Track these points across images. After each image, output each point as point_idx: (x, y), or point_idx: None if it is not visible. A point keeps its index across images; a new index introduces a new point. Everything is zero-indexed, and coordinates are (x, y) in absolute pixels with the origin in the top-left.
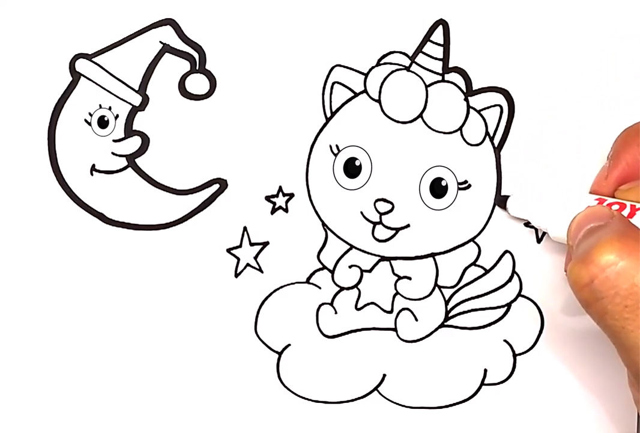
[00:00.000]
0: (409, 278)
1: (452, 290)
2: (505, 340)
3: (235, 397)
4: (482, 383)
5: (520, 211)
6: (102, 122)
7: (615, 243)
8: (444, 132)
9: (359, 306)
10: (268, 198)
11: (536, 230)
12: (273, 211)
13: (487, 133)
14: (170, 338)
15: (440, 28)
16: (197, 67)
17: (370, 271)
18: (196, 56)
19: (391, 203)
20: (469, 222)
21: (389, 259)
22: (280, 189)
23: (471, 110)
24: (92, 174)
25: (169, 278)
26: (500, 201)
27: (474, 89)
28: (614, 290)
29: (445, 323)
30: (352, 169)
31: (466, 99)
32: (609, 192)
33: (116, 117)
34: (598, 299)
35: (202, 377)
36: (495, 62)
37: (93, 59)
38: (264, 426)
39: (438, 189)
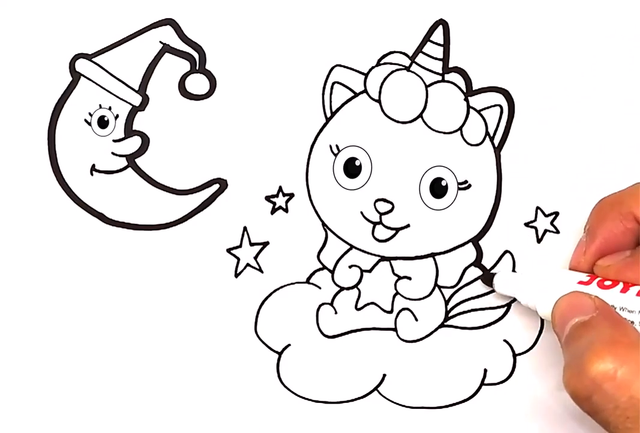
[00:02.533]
0: (409, 278)
1: (452, 290)
2: (505, 340)
3: (235, 397)
4: (482, 383)
5: (507, 290)
6: (102, 123)
7: (606, 354)
8: (444, 132)
9: (359, 306)
10: (268, 198)
11: (536, 230)
12: (273, 211)
13: (487, 133)
14: (171, 338)
15: (440, 28)
16: (197, 67)
17: (370, 271)
18: (196, 56)
19: (391, 203)
20: (469, 222)
21: (389, 259)
22: (280, 189)
23: (471, 110)
24: (92, 174)
25: (169, 278)
26: (487, 278)
27: (474, 89)
28: (613, 404)
29: (445, 323)
30: (352, 169)
31: (466, 99)
32: (588, 268)
33: (116, 117)
34: (598, 412)
35: (202, 377)
36: (495, 62)
37: (93, 59)
38: (264, 426)
39: (438, 189)
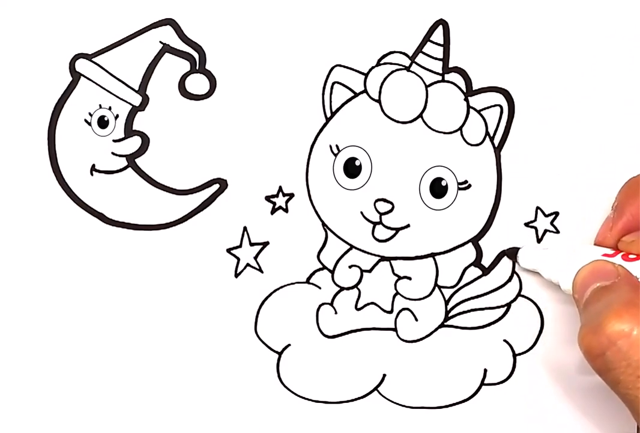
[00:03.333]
0: (409, 278)
1: (452, 290)
2: (505, 340)
3: (235, 397)
4: (482, 383)
5: (531, 263)
6: (102, 123)
7: (625, 314)
8: (444, 132)
9: (359, 306)
10: (268, 198)
11: (536, 230)
12: (273, 211)
13: (487, 133)
14: (171, 338)
15: (440, 28)
16: (197, 67)
17: (370, 271)
18: (196, 56)
19: (391, 203)
20: (469, 222)
21: (389, 259)
22: (280, 189)
23: (471, 110)
24: (92, 174)
25: (169, 278)
26: (511, 253)
27: (474, 89)
28: (626, 361)
29: (445, 323)
30: (352, 169)
31: (466, 99)
32: (613, 244)
33: (116, 117)
34: (610, 369)
35: (202, 377)
36: (495, 62)
37: (93, 59)
38: (264, 426)
39: (438, 189)
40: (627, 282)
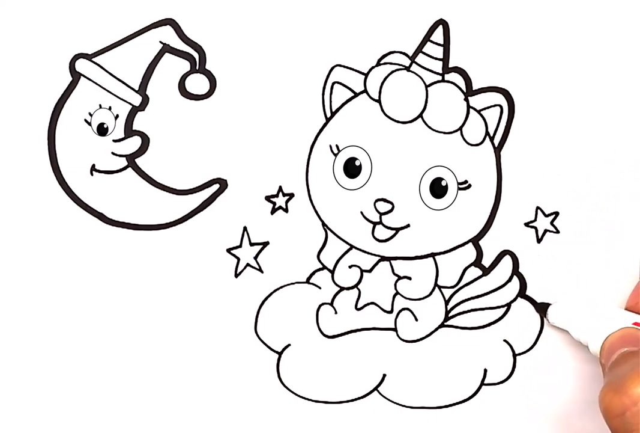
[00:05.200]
0: (409, 278)
1: (452, 290)
2: (505, 340)
3: (235, 397)
4: (482, 383)
5: (561, 322)
6: (102, 130)
7: None
8: (444, 132)
9: (359, 306)
10: (268, 198)
11: (536, 230)
12: (273, 211)
13: (487, 133)
14: (171, 338)
15: (440, 28)
16: (197, 67)
17: (370, 271)
18: (196, 56)
19: (391, 203)
20: (469, 222)
21: (389, 259)
22: (280, 189)
23: (471, 110)
24: (92, 174)
25: (169, 278)
26: (541, 308)
27: (474, 89)
28: None
29: (445, 323)
30: (352, 169)
31: (466, 99)
32: None
33: (116, 117)
34: (628, 431)
35: (202, 377)
36: (495, 62)
37: (93, 59)
38: (264, 426)
39: (438, 189)
40: None
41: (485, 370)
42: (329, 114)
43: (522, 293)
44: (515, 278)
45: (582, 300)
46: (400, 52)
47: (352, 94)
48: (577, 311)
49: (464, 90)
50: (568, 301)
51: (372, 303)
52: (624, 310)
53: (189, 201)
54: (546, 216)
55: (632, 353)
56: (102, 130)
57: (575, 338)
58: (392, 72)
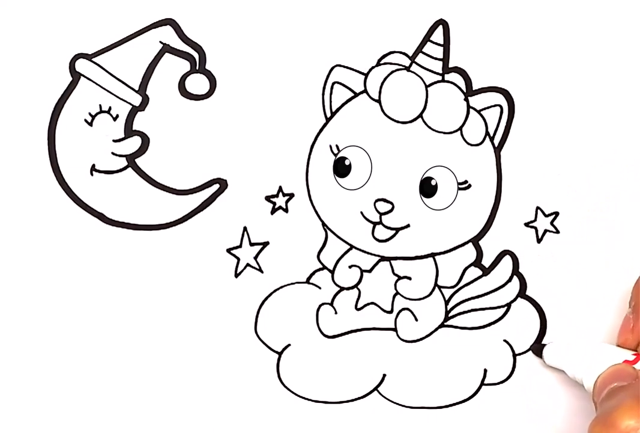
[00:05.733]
0: (409, 278)
1: (452, 290)
2: (505, 340)
3: (236, 397)
4: (482, 383)
5: (555, 362)
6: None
7: (636, 408)
8: (444, 132)
9: (359, 306)
10: (268, 198)
11: (536, 230)
12: (273, 211)
13: (487, 133)
14: (171, 338)
15: (440, 28)
16: (197, 67)
17: (370, 271)
18: (196, 56)
19: (391, 203)
20: (469, 222)
21: (389, 259)
22: (280, 189)
23: (471, 110)
24: (92, 174)
25: (169, 278)
26: (537, 349)
27: (474, 89)
28: None
29: (445, 323)
30: (341, 168)
31: (466, 99)
32: (635, 345)
33: (116, 117)
34: None
35: (202, 377)
36: (495, 62)
37: (93, 59)
38: (264, 426)
39: (427, 188)
40: None
41: (485, 370)
42: (329, 114)
43: (522, 293)
44: (515, 278)
45: (575, 340)
46: (400, 52)
47: (352, 94)
48: (571, 351)
49: (464, 90)
50: (561, 342)
51: (372, 303)
52: (615, 347)
53: (189, 201)
54: (546, 216)
55: (620, 388)
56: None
57: (571, 377)
58: (392, 72)
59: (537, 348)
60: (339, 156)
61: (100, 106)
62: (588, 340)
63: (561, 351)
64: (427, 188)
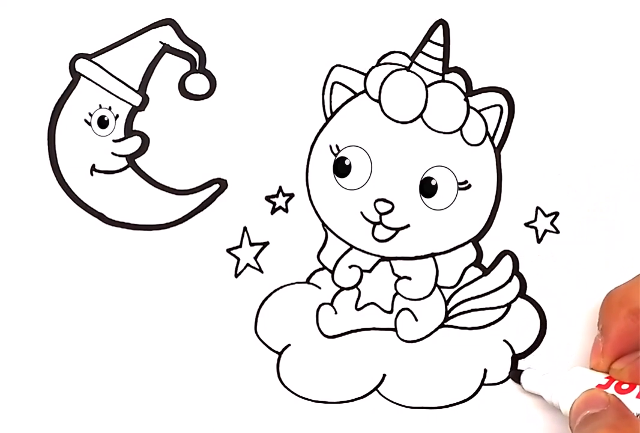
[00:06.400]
0: (409, 278)
1: (452, 290)
2: (505, 340)
3: (236, 397)
4: (482, 383)
5: (533, 387)
6: (102, 122)
7: None
8: (444, 132)
9: (359, 306)
10: (268, 198)
11: (536, 230)
12: (273, 211)
13: (487, 133)
14: (170, 338)
15: (440, 28)
16: (197, 67)
17: (370, 271)
18: (196, 56)
19: (391, 203)
20: (469, 222)
21: (389, 259)
22: (280, 189)
23: (471, 110)
24: (92, 174)
25: (169, 278)
26: (515, 375)
27: (474, 89)
28: None
29: (445, 323)
30: (341, 168)
31: (466, 99)
32: (607, 369)
33: (116, 117)
34: None
35: (202, 377)
36: (495, 62)
37: (93, 59)
38: (264, 426)
39: (427, 188)
40: (616, 409)
41: (485, 370)
42: (329, 114)
43: (522, 293)
44: (515, 278)
45: (551, 366)
46: (400, 52)
47: (352, 94)
48: (546, 376)
49: (464, 90)
50: (538, 368)
51: (372, 303)
52: (589, 371)
53: (189, 201)
54: (546, 216)
55: (593, 415)
56: (102, 123)
57: (549, 402)
58: (392, 72)
59: (515, 374)
60: (339, 156)
61: (100, 105)
62: (563, 364)
63: (538, 376)
64: (427, 188)
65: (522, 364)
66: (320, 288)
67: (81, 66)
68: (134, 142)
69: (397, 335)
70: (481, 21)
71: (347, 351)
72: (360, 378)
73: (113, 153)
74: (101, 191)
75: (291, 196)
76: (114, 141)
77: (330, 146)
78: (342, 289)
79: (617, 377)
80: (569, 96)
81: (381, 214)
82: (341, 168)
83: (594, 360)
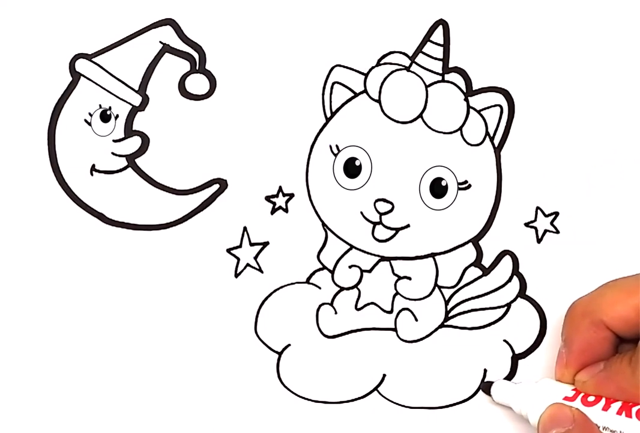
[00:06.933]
0: (409, 278)
1: (452, 290)
2: (505, 340)
3: (235, 397)
4: (482, 383)
5: (503, 398)
6: (105, 116)
7: None
8: (444, 132)
9: (359, 306)
10: (268, 198)
11: (536, 230)
12: (273, 211)
13: (487, 133)
14: (170, 338)
15: (440, 28)
16: (197, 67)
17: (370, 271)
18: (196, 56)
19: (391, 203)
20: (469, 222)
21: (389, 259)
22: (280, 189)
23: (471, 110)
24: (92, 174)
25: (169, 278)
26: (485, 387)
27: (474, 89)
28: None
29: (445, 323)
30: (352, 169)
31: (466, 99)
32: (572, 380)
33: (116, 117)
34: None
35: (202, 377)
36: (495, 62)
37: (93, 59)
38: (264, 426)
39: (438, 189)
40: (581, 428)
41: (485, 370)
42: (329, 114)
43: (522, 293)
44: (515, 278)
45: (520, 378)
46: (400, 52)
47: (352, 94)
48: (515, 388)
49: (464, 90)
50: (507, 381)
51: (372, 303)
52: (557, 383)
53: (189, 201)
54: (546, 216)
55: None
56: (105, 117)
57: (518, 413)
58: (392, 72)
59: (486, 385)
60: (349, 156)
61: (100, 105)
62: (531, 376)
63: (507, 388)
64: (438, 189)
65: (490, 376)
66: (320, 288)
67: (81, 66)
68: (134, 142)
69: (397, 335)
70: (481, 21)
71: (347, 351)
72: (360, 378)
73: (113, 153)
74: (101, 191)
75: (291, 196)
76: (114, 141)
77: (330, 146)
78: (342, 289)
79: (582, 389)
80: (569, 96)
81: (381, 214)
82: (352, 169)
83: (558, 372)
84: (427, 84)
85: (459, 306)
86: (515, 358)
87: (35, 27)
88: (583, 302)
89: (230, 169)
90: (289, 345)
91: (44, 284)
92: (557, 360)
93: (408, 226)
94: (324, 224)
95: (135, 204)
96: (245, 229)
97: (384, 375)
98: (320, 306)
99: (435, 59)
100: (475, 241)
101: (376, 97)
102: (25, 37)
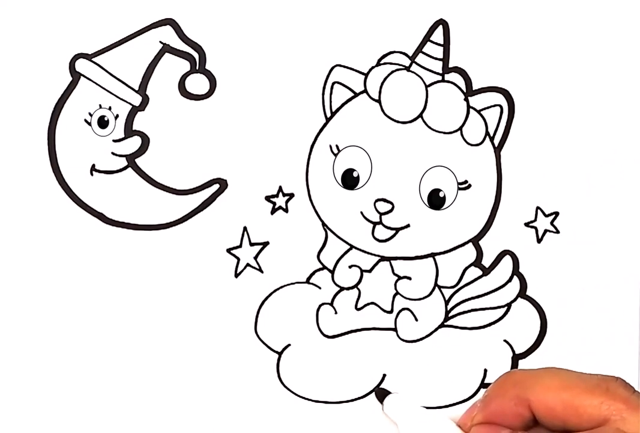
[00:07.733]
0: (409, 278)
1: (452, 290)
2: (505, 340)
3: (235, 397)
4: (482, 383)
5: (392, 413)
6: (102, 122)
7: None
8: (444, 132)
9: (359, 306)
10: (268, 198)
11: (536, 230)
12: (273, 211)
13: (487, 133)
14: (170, 338)
15: (440, 28)
16: (197, 67)
17: (370, 271)
18: (196, 56)
19: (391, 203)
20: (469, 222)
21: (389, 259)
22: (280, 189)
23: (471, 110)
24: (92, 174)
25: (169, 278)
26: (380, 394)
27: (474, 89)
28: None
29: (445, 323)
30: (349, 180)
31: (466, 99)
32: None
33: (116, 117)
34: None
35: (202, 377)
36: (495, 62)
37: (93, 59)
38: (264, 426)
39: (436, 200)
40: None
41: (485, 370)
42: (329, 114)
43: (522, 293)
44: (515, 278)
45: (416, 405)
46: (400, 52)
47: (352, 94)
48: (408, 410)
49: (464, 90)
50: (404, 397)
51: (372, 303)
52: (449, 423)
53: (189, 201)
54: (546, 216)
55: None
56: (102, 123)
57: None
58: (392, 72)
59: (380, 393)
60: (347, 167)
61: (100, 105)
62: (428, 410)
63: (400, 406)
64: (436, 200)
65: (490, 376)
66: (320, 288)
67: (81, 66)
68: (134, 142)
69: (397, 335)
70: (481, 21)
71: (347, 351)
72: (360, 378)
73: (113, 153)
74: (101, 191)
75: (291, 196)
76: (114, 141)
77: (330, 146)
78: (342, 289)
79: None
80: (569, 96)
81: (381, 214)
82: (349, 180)
83: (463, 418)
84: (427, 84)
85: (459, 306)
86: (516, 358)
87: (35, 27)
88: (521, 374)
89: (230, 169)
90: (289, 345)
91: (44, 284)
92: (468, 409)
93: (408, 226)
94: (324, 224)
95: (135, 204)
96: (245, 229)
97: (384, 375)
98: (320, 306)
99: (435, 59)
100: (476, 241)
101: (376, 97)
102: (25, 37)
